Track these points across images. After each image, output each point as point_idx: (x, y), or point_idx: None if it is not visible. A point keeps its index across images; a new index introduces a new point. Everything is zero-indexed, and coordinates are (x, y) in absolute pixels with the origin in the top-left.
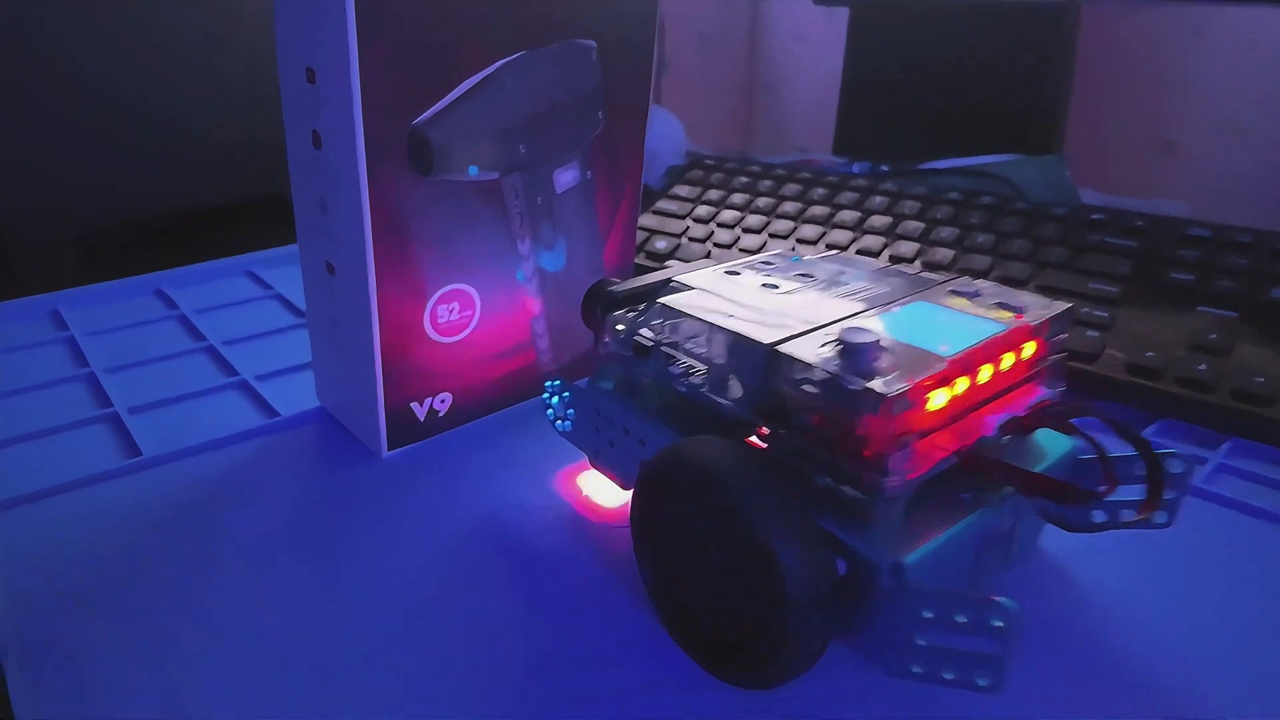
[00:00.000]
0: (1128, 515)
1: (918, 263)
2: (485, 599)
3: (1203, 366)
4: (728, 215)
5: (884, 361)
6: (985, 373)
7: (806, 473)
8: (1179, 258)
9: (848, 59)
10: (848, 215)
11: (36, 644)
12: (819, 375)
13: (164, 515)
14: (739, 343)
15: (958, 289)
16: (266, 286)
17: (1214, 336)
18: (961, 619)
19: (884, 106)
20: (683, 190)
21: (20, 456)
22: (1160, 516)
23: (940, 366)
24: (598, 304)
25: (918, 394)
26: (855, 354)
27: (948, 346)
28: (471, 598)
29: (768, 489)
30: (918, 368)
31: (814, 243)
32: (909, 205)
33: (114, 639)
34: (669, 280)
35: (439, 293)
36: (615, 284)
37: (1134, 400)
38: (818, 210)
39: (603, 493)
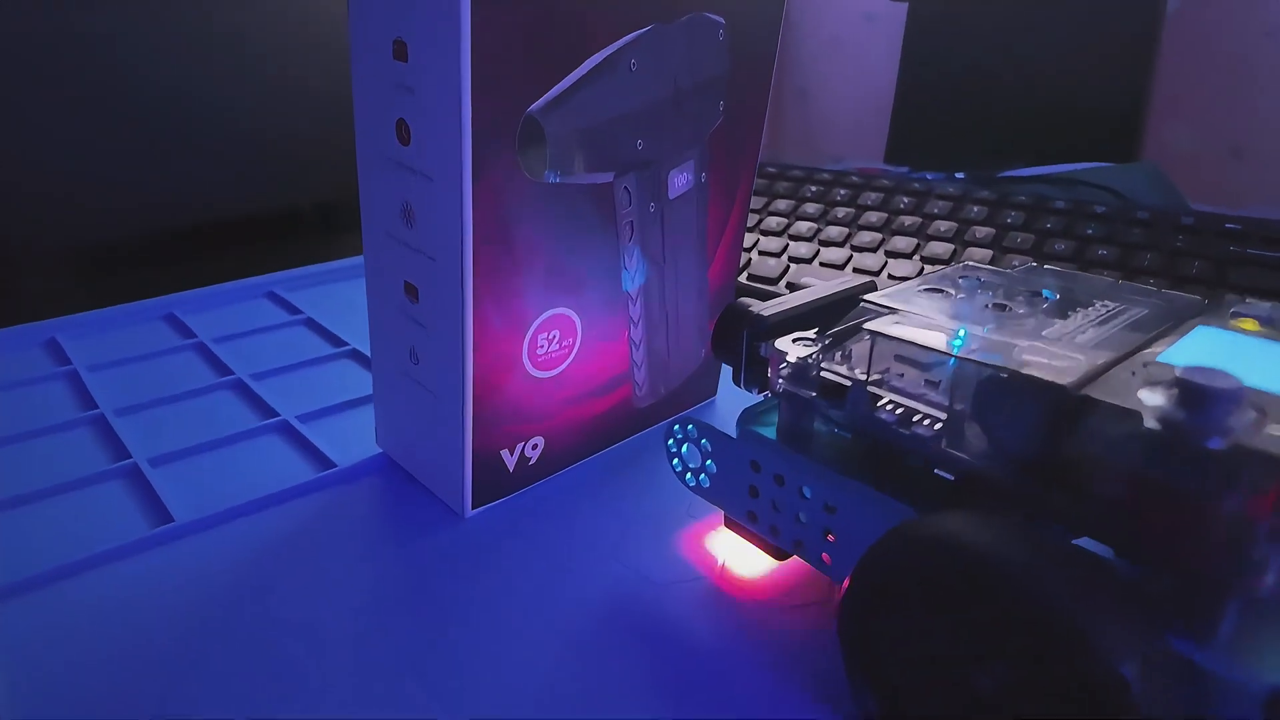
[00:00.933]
0: None
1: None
2: (626, 704)
3: None
4: (802, 226)
5: (1243, 414)
6: None
7: (1104, 563)
8: None
9: (906, 58)
10: (943, 225)
11: None
12: (1153, 431)
13: (206, 597)
14: (1016, 384)
15: (1238, 310)
16: (294, 310)
17: None
18: None
19: (950, 110)
20: None
21: (22, 524)
22: None
23: None
24: (744, 330)
25: None
26: (1208, 402)
27: None
28: (606, 702)
29: (1103, 593)
30: None
31: (908, 256)
32: (1012, 215)
33: None
34: (855, 299)
35: (541, 318)
36: (757, 305)
37: None
38: (906, 220)
39: (744, 560)
